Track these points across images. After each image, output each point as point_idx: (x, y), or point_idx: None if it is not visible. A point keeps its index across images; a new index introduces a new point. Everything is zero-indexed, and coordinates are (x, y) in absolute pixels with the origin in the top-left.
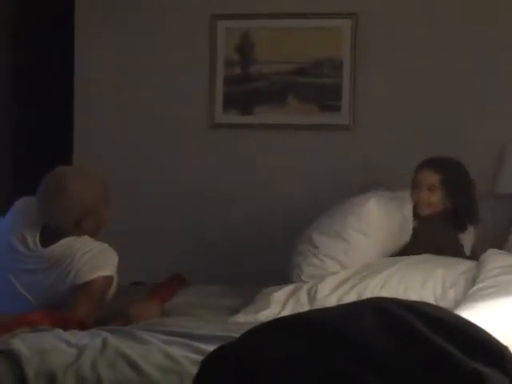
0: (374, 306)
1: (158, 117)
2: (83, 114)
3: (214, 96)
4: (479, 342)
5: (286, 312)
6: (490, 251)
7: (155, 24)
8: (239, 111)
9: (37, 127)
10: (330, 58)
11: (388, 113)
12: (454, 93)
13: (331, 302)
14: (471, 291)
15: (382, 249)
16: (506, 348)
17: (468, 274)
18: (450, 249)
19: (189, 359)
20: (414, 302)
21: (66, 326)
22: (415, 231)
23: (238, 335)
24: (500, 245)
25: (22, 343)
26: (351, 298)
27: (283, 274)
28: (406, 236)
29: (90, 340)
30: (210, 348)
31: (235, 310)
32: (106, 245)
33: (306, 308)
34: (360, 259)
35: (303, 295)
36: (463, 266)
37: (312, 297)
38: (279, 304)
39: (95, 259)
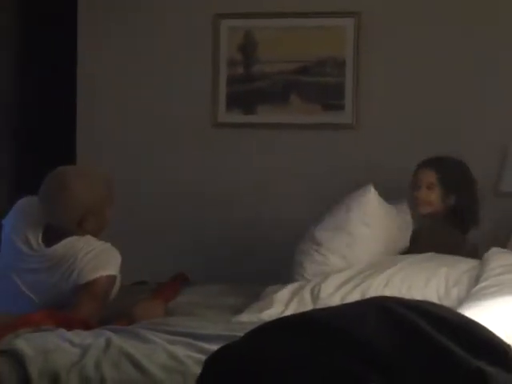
0: (378, 305)
1: (160, 116)
2: (86, 113)
3: (216, 95)
4: (482, 341)
5: (290, 311)
6: (494, 250)
7: (157, 24)
8: (242, 110)
9: (38, 127)
10: (333, 57)
11: (391, 112)
12: (456, 92)
13: (335, 301)
14: (474, 290)
15: (384, 242)
16: (509, 346)
17: (471, 273)
18: (450, 248)
19: (192, 359)
20: (418, 300)
21: (69, 326)
22: (415, 231)
23: (241, 334)
24: (503, 243)
25: (26, 343)
26: (354, 297)
27: (284, 274)
28: (406, 239)
29: (93, 340)
30: (214, 347)
31: (238, 310)
32: (109, 244)
33: (309, 307)
34: (363, 253)
35: (307, 294)
36: (466, 264)
37: (315, 296)
38: (283, 303)
39: (98, 258)
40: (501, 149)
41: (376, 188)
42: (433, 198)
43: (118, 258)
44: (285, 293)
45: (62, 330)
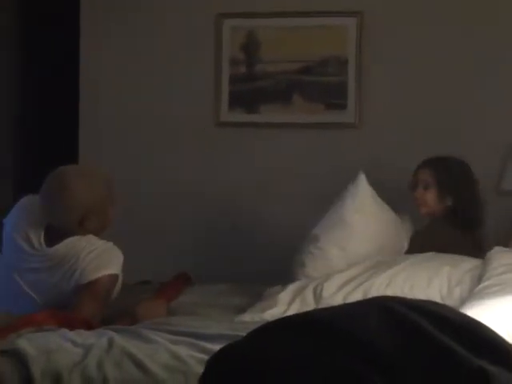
0: (380, 304)
1: (162, 116)
2: (89, 113)
3: (219, 95)
4: (485, 340)
5: (292, 311)
6: (496, 249)
7: (158, 24)
8: (245, 110)
9: (40, 127)
10: (336, 56)
11: (394, 111)
12: (461, 91)
13: (337, 300)
14: (477, 289)
15: (379, 233)
16: (511, 346)
17: (474, 272)
18: (448, 248)
19: (195, 358)
20: (419, 300)
21: (71, 326)
22: (415, 231)
23: (244, 334)
24: (506, 242)
25: (28, 343)
26: (357, 296)
27: (285, 274)
28: (404, 241)
29: (95, 340)
30: (216, 347)
31: (241, 309)
32: (111, 243)
33: (311, 307)
34: (360, 242)
35: (309, 294)
36: (469, 263)
37: (318, 295)
38: (285, 303)
39: (100, 258)
40: (502, 148)
41: (379, 187)
42: (429, 198)
43: (120, 257)
44: (287, 293)
45: (65, 330)
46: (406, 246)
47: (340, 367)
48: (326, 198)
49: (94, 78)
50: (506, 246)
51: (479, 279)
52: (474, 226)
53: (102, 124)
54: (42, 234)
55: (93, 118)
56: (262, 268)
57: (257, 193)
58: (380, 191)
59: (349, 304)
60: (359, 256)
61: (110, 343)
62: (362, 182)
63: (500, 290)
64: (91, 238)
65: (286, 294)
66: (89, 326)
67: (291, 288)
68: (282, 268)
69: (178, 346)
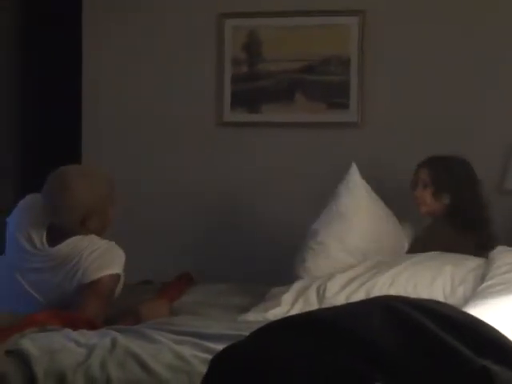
0: (383, 304)
1: (164, 116)
2: (91, 113)
3: (221, 94)
4: (488, 340)
5: (295, 311)
6: (499, 248)
7: (159, 24)
8: (247, 109)
9: (41, 127)
10: (338, 55)
11: (396, 110)
12: (462, 91)
13: (340, 300)
14: (480, 288)
15: (375, 226)
16: None
17: (477, 271)
18: (449, 248)
19: (198, 358)
20: (422, 299)
21: (75, 326)
22: (415, 237)
23: (247, 334)
24: (509, 241)
25: (32, 343)
26: (360, 296)
27: (286, 274)
28: (403, 242)
29: (99, 340)
30: (219, 347)
31: (244, 309)
32: (113, 243)
33: (314, 306)
34: (358, 234)
35: (312, 294)
36: (472, 262)
37: (321, 295)
38: (288, 303)
39: (102, 258)
40: (503, 148)
41: (380, 186)
42: (427, 196)
43: (122, 256)
44: (290, 292)
45: (68, 330)
46: (406, 246)
47: (342, 366)
48: (328, 197)
49: (94, 77)
50: (509, 245)
51: (482, 278)
52: (477, 226)
53: (103, 124)
54: (44, 233)
55: (93, 117)
56: (262, 268)
57: (258, 192)
58: (381, 191)
59: (351, 303)
60: (358, 248)
61: (114, 343)
62: (354, 173)
63: (503, 289)
64: (93, 237)
65: (289, 294)
66: (92, 326)
67: (294, 288)
68: (283, 267)
69: (181, 345)
